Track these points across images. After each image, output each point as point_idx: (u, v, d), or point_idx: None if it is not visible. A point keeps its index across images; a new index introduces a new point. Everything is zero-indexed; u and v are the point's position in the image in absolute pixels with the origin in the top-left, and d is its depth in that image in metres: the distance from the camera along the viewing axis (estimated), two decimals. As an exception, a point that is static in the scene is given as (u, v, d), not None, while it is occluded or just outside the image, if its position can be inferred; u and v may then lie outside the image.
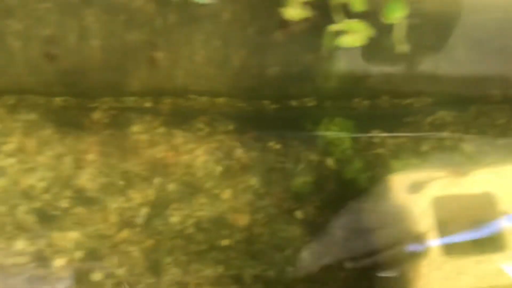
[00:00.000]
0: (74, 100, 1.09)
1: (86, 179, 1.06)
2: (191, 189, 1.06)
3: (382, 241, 1.01)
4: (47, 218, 1.03)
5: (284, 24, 1.05)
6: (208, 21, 1.06)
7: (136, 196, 1.06)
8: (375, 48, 1.06)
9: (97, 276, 0.99)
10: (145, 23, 1.06)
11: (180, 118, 1.14)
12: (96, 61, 1.11)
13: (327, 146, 1.12)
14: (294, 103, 1.14)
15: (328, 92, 1.14)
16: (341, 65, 1.09)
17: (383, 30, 1.04)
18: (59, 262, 0.98)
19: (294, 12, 1.02)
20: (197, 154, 1.10)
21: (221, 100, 1.13)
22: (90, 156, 1.08)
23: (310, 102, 1.15)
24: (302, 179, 1.07)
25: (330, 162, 1.10)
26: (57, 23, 1.03)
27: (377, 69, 1.10)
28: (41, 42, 1.03)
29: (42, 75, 1.09)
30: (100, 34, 1.06)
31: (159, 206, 1.06)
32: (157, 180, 1.07)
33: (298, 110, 1.14)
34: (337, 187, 1.07)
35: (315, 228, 1.05)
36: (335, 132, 1.12)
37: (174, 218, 1.04)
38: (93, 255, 1.00)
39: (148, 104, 1.14)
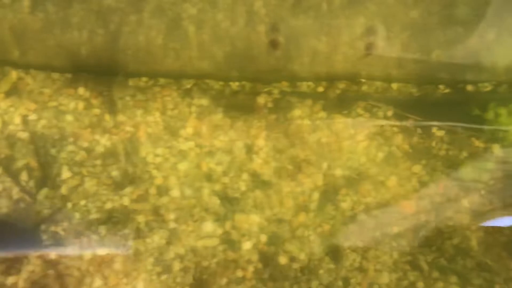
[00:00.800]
0: (247, 84, 1.08)
1: (259, 164, 1.06)
2: (357, 175, 1.07)
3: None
4: (229, 201, 1.03)
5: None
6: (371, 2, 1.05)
7: (306, 180, 1.07)
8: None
9: (282, 259, 0.99)
10: (312, 7, 1.04)
11: (339, 103, 1.13)
12: (262, 46, 1.10)
13: (494, 133, 1.09)
14: (469, 87, 1.10)
15: (506, 76, 1.10)
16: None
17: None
18: (246, 245, 0.99)
19: None
20: (358, 140, 1.11)
21: (394, 85, 1.09)
22: (260, 141, 1.08)
23: (486, 87, 1.12)
24: (467, 167, 1.06)
25: (496, 149, 1.08)
26: (228, 7, 1.02)
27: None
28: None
29: (213, 59, 1.07)
30: (267, 19, 1.05)
31: (329, 192, 1.07)
32: (324, 165, 1.08)
33: (469, 94, 1.11)
34: (505, 175, 1.05)
35: (482, 217, 1.06)
36: (504, 118, 1.08)
37: (345, 204, 1.05)
38: (275, 239, 1.01)
39: (308, 89, 1.12)
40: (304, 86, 1.14)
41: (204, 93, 1.11)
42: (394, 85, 1.15)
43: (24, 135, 0.99)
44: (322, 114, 1.14)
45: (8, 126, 1.00)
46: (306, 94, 1.16)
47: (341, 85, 1.14)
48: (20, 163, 0.98)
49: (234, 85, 1.12)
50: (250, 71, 1.13)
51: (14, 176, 0.95)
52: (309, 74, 1.14)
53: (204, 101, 1.10)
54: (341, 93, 1.15)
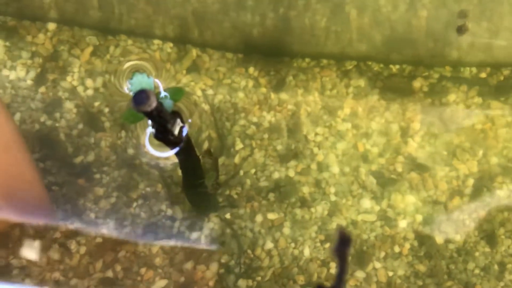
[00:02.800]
0: (407, 67, 1.08)
1: (414, 147, 1.04)
2: None
3: None
4: (385, 181, 1.02)
5: None
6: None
7: (461, 166, 1.03)
8: None
9: (438, 239, 0.99)
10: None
11: (497, 90, 1.07)
12: (423, 31, 1.06)
13: None
14: None
15: None
16: None
17: None
18: (402, 223, 1.00)
19: None
20: (514, 129, 1.05)
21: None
22: (415, 125, 1.05)
23: None
24: None
25: None
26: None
27: None
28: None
29: (372, 42, 1.06)
30: (429, 5, 1.02)
31: (484, 178, 1.03)
32: (479, 152, 1.04)
33: None
34: None
35: None
36: None
37: (501, 192, 1.02)
38: (430, 220, 1.00)
39: (469, 75, 1.08)
40: (467, 71, 1.07)
41: (362, 75, 1.08)
42: None
43: (206, 107, 1.04)
44: (478, 99, 1.07)
45: (192, 96, 1.05)
46: (463, 80, 1.08)
47: (506, 72, 1.07)
48: (204, 135, 1.03)
49: (394, 67, 1.08)
50: (410, 54, 1.08)
51: (199, 146, 1.00)
52: (472, 59, 1.08)
53: (361, 83, 1.08)
54: (503, 80, 1.07)
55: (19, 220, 0.96)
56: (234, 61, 1.08)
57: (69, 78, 1.06)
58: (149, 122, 0.72)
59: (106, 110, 1.05)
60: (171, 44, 1.08)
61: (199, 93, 1.07)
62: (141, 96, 0.69)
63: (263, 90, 1.06)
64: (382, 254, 0.98)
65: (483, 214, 1.02)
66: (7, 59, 1.07)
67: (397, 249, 0.98)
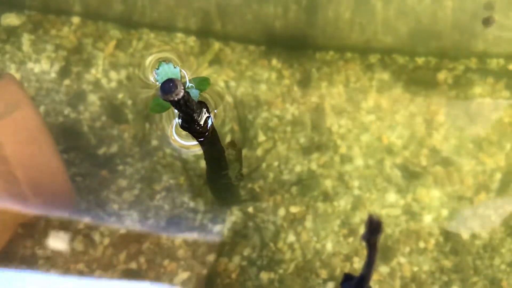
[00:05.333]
0: (433, 60, 1.08)
1: (439, 140, 1.04)
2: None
3: None
4: (410, 174, 1.02)
5: None
6: None
7: (488, 160, 1.03)
8: None
9: (464, 235, 0.99)
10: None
11: None
12: (448, 22, 1.06)
13: None
14: None
15: None
16: None
17: None
18: (427, 218, 1.00)
19: None
20: (542, 123, 1.03)
21: None
22: (439, 117, 1.05)
23: None
24: None
25: None
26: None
27: None
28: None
29: (397, 34, 1.06)
30: None
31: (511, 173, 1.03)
32: (507, 146, 1.03)
33: None
34: None
35: None
36: None
37: None
38: (456, 215, 1.00)
39: (496, 66, 1.08)
40: (494, 63, 1.07)
41: (385, 68, 1.08)
42: None
43: (229, 99, 1.05)
44: (505, 93, 1.06)
45: (215, 87, 1.06)
46: (490, 72, 1.07)
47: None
48: (226, 127, 1.04)
49: (420, 60, 1.08)
50: (435, 46, 1.07)
51: (222, 139, 0.96)
52: (500, 51, 1.07)
53: (385, 76, 1.08)
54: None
55: (44, 211, 0.98)
56: (256, 54, 1.09)
57: (93, 71, 1.08)
58: (176, 112, 0.73)
59: (129, 102, 1.06)
60: (193, 38, 1.09)
61: (221, 85, 1.08)
62: (168, 85, 0.70)
63: (286, 82, 1.07)
64: (407, 249, 0.98)
65: (510, 210, 1.01)
66: (32, 52, 1.09)
67: (422, 244, 0.98)
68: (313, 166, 1.03)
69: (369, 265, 0.56)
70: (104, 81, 1.08)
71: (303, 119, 1.06)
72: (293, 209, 1.01)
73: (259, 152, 1.04)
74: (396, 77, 1.07)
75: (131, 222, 1.01)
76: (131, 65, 1.09)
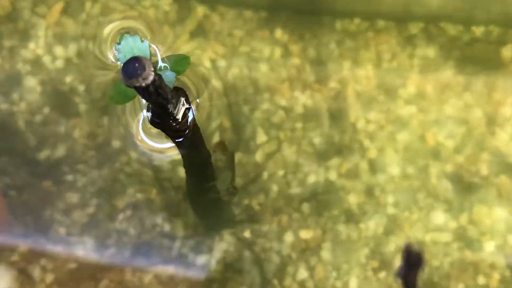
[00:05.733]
0: (495, 30, 1.08)
1: (504, 140, 1.04)
2: None
3: None
4: (465, 187, 1.02)
5: None
6: None
7: None
8: None
9: None
10: None
11: None
12: None
13: None
14: None
15: None
16: None
17: None
18: (489, 246, 0.99)
19: None
20: None
21: None
22: (506, 110, 1.05)
23: None
24: None
25: None
26: None
27: None
28: None
29: None
30: None
31: None
32: None
33: None
34: None
35: None
36: None
37: None
38: None
39: None
40: None
41: (432, 41, 1.07)
42: None
43: (217, 83, 1.04)
44: None
45: (198, 67, 1.05)
46: None
47: None
48: (214, 123, 1.03)
49: (478, 30, 1.08)
50: (498, 11, 1.07)
51: (208, 138, 1.00)
52: None
53: (431, 52, 1.07)
54: None
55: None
56: (254, 22, 1.08)
57: (31, 45, 1.07)
58: (144, 102, 0.72)
59: (81, 88, 1.05)
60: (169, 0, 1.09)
61: (207, 64, 1.07)
62: (133, 65, 0.68)
63: (296, 61, 1.06)
64: (461, 287, 0.98)
65: None
66: (-52, 20, 1.09)
67: (481, 280, 0.98)
68: (332, 175, 1.03)
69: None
70: (46, 59, 1.07)
71: (318, 111, 1.05)
72: (305, 234, 1.00)
73: (258, 156, 1.03)
74: (445, 54, 1.07)
75: (84, 252, 1.00)
76: (84, 37, 1.08)
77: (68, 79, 1.06)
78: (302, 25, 1.08)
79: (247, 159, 1.03)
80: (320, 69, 1.07)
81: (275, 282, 0.98)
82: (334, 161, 1.03)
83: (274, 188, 1.02)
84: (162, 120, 0.75)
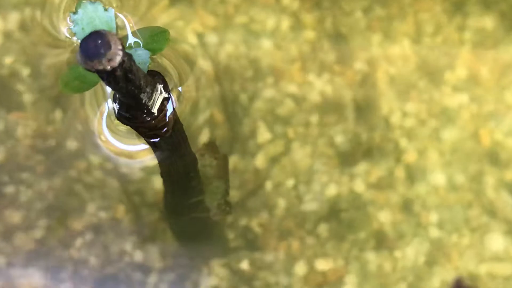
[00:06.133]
0: None
1: None
2: None
3: None
4: None
5: None
6: None
7: None
8: None
9: None
10: None
11: None
12: None
13: None
14: None
15: None
16: None
17: None
18: None
19: None
20: None
21: None
22: None
23: None
24: None
25: None
26: None
27: None
28: None
29: None
30: None
31: None
32: None
33: None
34: None
35: None
36: None
37: None
38: None
39: None
40: None
41: (489, 8, 1.11)
42: None
43: (206, 65, 1.07)
44: None
45: (181, 44, 1.08)
46: None
47: None
48: (202, 116, 1.05)
49: None
50: None
51: (194, 137, 1.02)
52: None
53: (488, 22, 1.10)
54: None
55: None
56: (254, -17, 1.09)
57: (-41, 15, 1.08)
58: (109, 90, 0.74)
59: (26, 72, 1.08)
60: (141, -46, 1.11)
61: (192, 40, 1.09)
62: (94, 42, 0.70)
63: (310, 35, 1.09)
64: (526, 334, 0.99)
65: None
66: None
67: (553, 326, 0.99)
68: (359, 186, 1.05)
69: None
70: (-21, 34, 1.09)
71: (340, 101, 1.08)
72: (322, 265, 1.03)
73: (259, 161, 1.06)
74: (507, 25, 1.09)
75: (29, 288, 1.01)
76: (29, 4, 1.10)
77: (8, 60, 1.08)
78: (317, -13, 1.11)
79: (245, 165, 1.06)
80: (342, 45, 1.09)
81: (282, 327, 1.01)
82: (361, 167, 1.06)
83: (281, 203, 1.05)
84: (133, 114, 0.77)
